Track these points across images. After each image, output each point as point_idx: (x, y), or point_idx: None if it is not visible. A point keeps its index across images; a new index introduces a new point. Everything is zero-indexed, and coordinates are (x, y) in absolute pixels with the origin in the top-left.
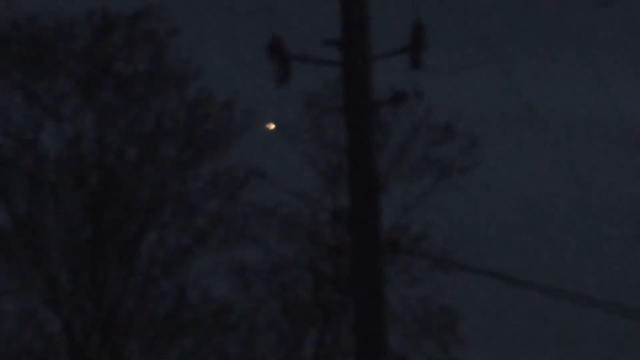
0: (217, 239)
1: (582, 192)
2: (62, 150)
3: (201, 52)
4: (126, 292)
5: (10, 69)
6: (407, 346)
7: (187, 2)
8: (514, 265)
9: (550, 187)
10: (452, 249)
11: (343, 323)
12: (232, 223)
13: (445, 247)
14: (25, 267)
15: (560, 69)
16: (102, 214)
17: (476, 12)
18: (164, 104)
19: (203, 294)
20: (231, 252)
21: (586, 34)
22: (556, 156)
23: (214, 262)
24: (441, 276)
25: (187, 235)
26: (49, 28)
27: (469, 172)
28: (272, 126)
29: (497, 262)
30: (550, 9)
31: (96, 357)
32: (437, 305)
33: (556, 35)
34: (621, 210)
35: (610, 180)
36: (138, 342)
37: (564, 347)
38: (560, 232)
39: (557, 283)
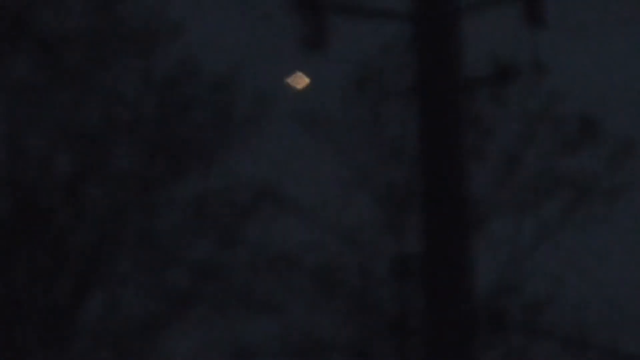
0: (205, 304)
1: None
2: None
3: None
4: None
5: None
6: None
7: None
8: None
9: None
10: (592, 320)
11: None
12: (229, 278)
13: (581, 317)
14: None
15: None
16: (18, 262)
17: None
18: (119, 83)
19: None
20: (228, 324)
21: None
22: None
23: (196, 340)
24: None
25: (155, 296)
26: None
27: (621, 193)
28: (301, 80)
29: None
30: None
31: None
32: None
33: None
34: None
35: None
36: None
37: None
38: None
39: None
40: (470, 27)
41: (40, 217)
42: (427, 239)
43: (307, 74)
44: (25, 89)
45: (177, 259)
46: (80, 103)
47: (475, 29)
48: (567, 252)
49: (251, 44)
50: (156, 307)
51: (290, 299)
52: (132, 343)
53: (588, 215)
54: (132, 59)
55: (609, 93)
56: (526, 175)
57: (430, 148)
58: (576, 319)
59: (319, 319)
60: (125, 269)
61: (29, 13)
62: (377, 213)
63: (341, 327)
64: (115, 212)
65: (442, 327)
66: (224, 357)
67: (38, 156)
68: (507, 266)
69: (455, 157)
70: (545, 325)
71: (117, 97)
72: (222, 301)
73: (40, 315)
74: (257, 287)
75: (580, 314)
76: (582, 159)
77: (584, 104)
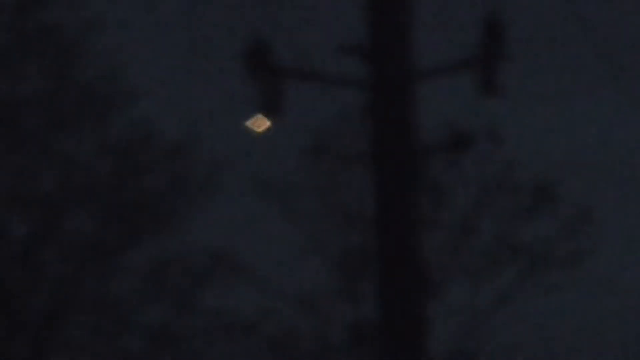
0: None
1: None
2: None
3: (140, 63)
4: None
5: None
6: None
7: None
8: None
9: None
10: None
11: None
12: (186, 344)
13: None
14: None
15: None
16: None
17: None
18: (75, 147)
19: None
20: None
21: None
22: None
23: None
24: None
25: None
26: None
27: (575, 261)
28: (260, 123)
29: None
30: None
31: None
32: None
33: None
34: None
35: None
36: None
37: None
38: None
39: None
40: (426, 94)
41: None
42: (383, 305)
43: (263, 140)
44: None
45: (132, 324)
46: (35, 167)
47: (430, 96)
48: (523, 318)
49: (206, 110)
50: None
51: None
52: None
53: (544, 282)
54: (88, 124)
55: (565, 160)
56: (482, 242)
57: (386, 214)
58: None
59: None
60: (81, 334)
61: None
62: (333, 279)
63: None
64: (69, 277)
65: None
66: None
67: None
68: (463, 333)
69: (411, 224)
70: None
71: (73, 162)
72: (196, 346)
73: None
74: (213, 353)
75: None
76: (538, 225)
77: (539, 172)
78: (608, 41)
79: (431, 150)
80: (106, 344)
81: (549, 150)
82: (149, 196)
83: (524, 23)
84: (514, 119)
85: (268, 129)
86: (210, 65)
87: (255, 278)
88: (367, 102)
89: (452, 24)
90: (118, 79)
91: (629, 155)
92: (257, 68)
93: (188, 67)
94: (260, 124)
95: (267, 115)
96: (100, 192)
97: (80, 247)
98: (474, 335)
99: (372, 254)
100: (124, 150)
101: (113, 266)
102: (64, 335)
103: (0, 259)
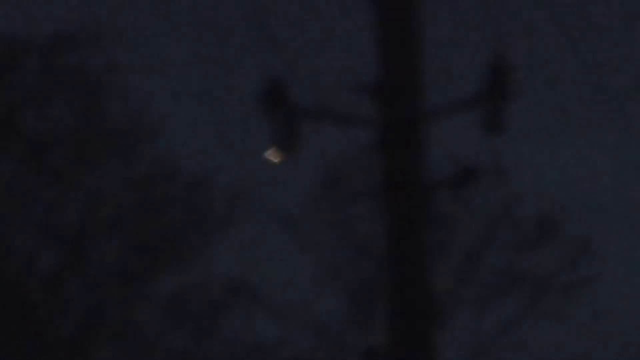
0: None
1: None
2: None
3: (161, 101)
4: None
5: None
6: None
7: (140, 23)
8: None
9: None
10: None
11: None
12: None
13: None
14: None
15: None
16: (2, 354)
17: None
18: (101, 182)
19: None
20: None
21: None
22: None
23: None
24: None
25: None
26: None
27: (577, 291)
28: (278, 154)
29: None
30: None
31: None
32: None
33: None
34: None
35: None
36: None
37: None
38: None
39: None
40: (434, 132)
41: (24, 310)
42: (393, 332)
43: (280, 175)
44: (11, 187)
45: (154, 350)
46: (63, 200)
47: (438, 133)
48: (526, 346)
49: (225, 146)
50: None
51: None
52: None
53: (548, 309)
54: (113, 159)
55: (566, 194)
56: (487, 272)
57: (396, 246)
58: None
59: None
60: (105, 359)
61: (16, 115)
62: (346, 308)
63: None
64: (96, 305)
65: None
66: None
67: (22, 252)
68: (468, 358)
69: (419, 255)
70: None
71: (99, 195)
72: None
73: None
74: None
75: None
76: (540, 257)
77: (541, 205)
78: (608, 80)
79: (439, 184)
80: None
81: (550, 184)
82: (171, 228)
83: (529, 63)
84: (518, 155)
85: (285, 160)
86: (228, 104)
87: (272, 306)
88: (378, 139)
89: (459, 65)
90: (141, 117)
91: (628, 190)
92: (273, 106)
93: (207, 106)
94: (277, 154)
95: (282, 151)
96: (125, 224)
97: (106, 276)
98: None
99: (383, 284)
100: (147, 184)
101: (137, 294)
102: None
103: (30, 287)
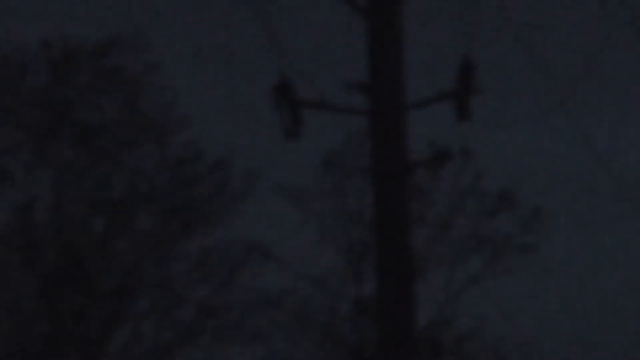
0: (207, 335)
1: None
2: (9, 219)
3: (189, 94)
4: None
5: None
6: None
7: (171, 27)
8: None
9: (635, 267)
10: (507, 349)
11: None
12: (226, 315)
13: (499, 347)
14: None
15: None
16: (61, 302)
17: (538, 53)
18: (140, 162)
19: None
20: (225, 351)
21: None
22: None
23: None
24: None
25: (168, 329)
26: None
27: (530, 251)
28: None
29: None
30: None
31: None
32: None
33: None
34: None
35: None
36: None
37: None
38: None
39: None
40: (414, 120)
41: (79, 265)
42: (379, 285)
43: (287, 156)
44: (68, 166)
45: (184, 299)
46: (109, 178)
47: (417, 121)
48: (488, 296)
49: (243, 132)
50: (168, 337)
51: (273, 332)
52: None
53: (505, 266)
54: (150, 144)
55: (523, 171)
56: (456, 236)
57: (382, 214)
58: (497, 349)
59: (295, 348)
60: (145, 307)
61: (70, 109)
62: (341, 265)
63: (313, 354)
64: (136, 262)
65: (391, 355)
66: None
67: (78, 218)
68: (441, 307)
69: (401, 221)
70: (471, 353)
71: (138, 174)
72: (221, 333)
73: (78, 344)
74: (247, 323)
75: (499, 345)
76: (500, 222)
77: (502, 180)
78: (557, 75)
79: (417, 163)
80: (164, 314)
81: (509, 163)
82: (197, 199)
83: (491, 62)
84: (482, 139)
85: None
86: (245, 97)
87: (280, 263)
88: (368, 126)
89: (434, 65)
90: (172, 109)
91: (574, 165)
92: (281, 99)
93: (228, 99)
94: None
95: (289, 135)
96: (160, 196)
97: (144, 239)
98: (449, 309)
99: (371, 245)
100: (178, 163)
101: (169, 253)
102: (131, 308)
103: (83, 249)
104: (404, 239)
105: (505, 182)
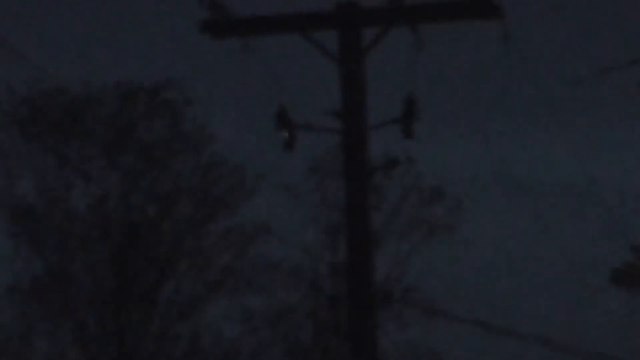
0: (228, 288)
1: (556, 248)
2: (89, 207)
3: (214, 119)
4: (146, 336)
5: (44, 135)
6: None
7: (203, 74)
8: (496, 314)
9: (528, 242)
10: (439, 298)
11: None
12: (241, 274)
13: (433, 297)
14: (56, 311)
15: (539, 139)
16: (125, 264)
17: (466, 87)
18: (181, 167)
19: (215, 336)
20: (240, 299)
21: (564, 110)
22: (534, 216)
23: (225, 308)
24: (429, 323)
25: (200, 284)
26: (79, 97)
27: (454, 230)
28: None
29: (480, 311)
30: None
31: None
32: (425, 349)
33: (536, 111)
34: (589, 260)
35: (580, 236)
36: None
37: None
38: (537, 282)
39: (534, 330)
40: (373, 137)
41: (137, 239)
42: (349, 253)
43: (286, 162)
44: (131, 170)
45: (211, 264)
46: (160, 177)
47: (375, 137)
48: (426, 260)
49: (254, 145)
50: (201, 291)
51: (274, 287)
52: (188, 309)
53: (437, 240)
54: (188, 154)
55: (451, 172)
56: (402, 219)
57: (351, 203)
58: (430, 298)
59: (290, 297)
60: (184, 269)
61: (133, 129)
62: (322, 239)
63: (303, 301)
64: (178, 237)
65: (357, 302)
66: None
67: (138, 207)
68: (392, 268)
69: (364, 208)
70: (412, 300)
71: (179, 176)
72: (238, 288)
73: (138, 295)
74: (257, 280)
75: (433, 294)
76: (433, 209)
77: (435, 179)
78: (475, 105)
79: (376, 168)
80: (197, 274)
81: (441, 167)
82: (221, 193)
83: (430, 96)
84: (421, 151)
85: (288, 152)
86: (257, 119)
87: (279, 238)
88: (340, 142)
89: (387, 98)
90: (203, 129)
91: (486, 170)
92: (281, 122)
93: (245, 122)
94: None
95: (287, 147)
96: (194, 191)
97: (184, 221)
98: (398, 270)
99: (343, 223)
100: (207, 167)
101: (201, 231)
102: (174, 269)
103: (142, 228)
104: (366, 221)
105: (437, 180)
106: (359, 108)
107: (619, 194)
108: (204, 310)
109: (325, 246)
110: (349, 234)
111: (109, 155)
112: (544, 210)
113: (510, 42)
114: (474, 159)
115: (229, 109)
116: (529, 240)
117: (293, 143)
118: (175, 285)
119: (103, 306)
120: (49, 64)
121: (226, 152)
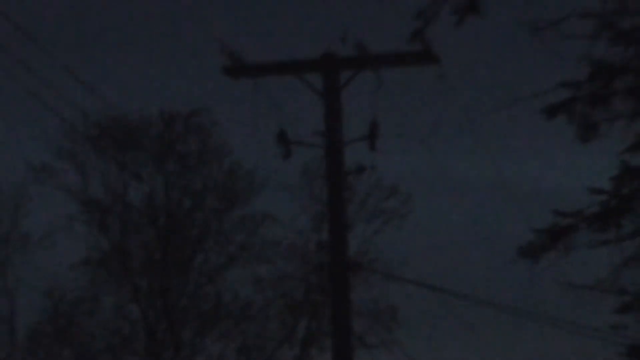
0: (243, 260)
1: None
2: (141, 201)
3: (234, 137)
4: (183, 295)
5: (109, 148)
6: (365, 328)
7: (225, 104)
8: (441, 279)
9: (461, 225)
10: (394, 267)
11: (324, 315)
12: (252, 250)
13: (390, 266)
14: (119, 277)
15: (470, 147)
16: (168, 242)
17: (415, 113)
18: (208, 171)
19: (233, 296)
20: (252, 269)
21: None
22: (467, 208)
23: (241, 275)
24: (387, 285)
25: (223, 257)
26: (134, 121)
27: (406, 217)
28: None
29: (428, 277)
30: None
31: (162, 336)
32: (384, 305)
33: (464, 129)
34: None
35: (497, 220)
36: (190, 327)
37: (477, 342)
38: (466, 255)
39: (472, 290)
40: (347, 153)
41: (177, 223)
42: (330, 233)
43: (285, 167)
44: (171, 174)
45: (230, 241)
46: (193, 179)
47: (348, 152)
48: (386, 239)
49: (263, 156)
50: (223, 261)
51: (276, 258)
52: (210, 274)
53: (393, 225)
54: (213, 162)
55: (405, 177)
56: (368, 208)
57: (332, 198)
58: (389, 265)
59: (287, 266)
60: (210, 245)
61: (173, 145)
62: (313, 223)
63: (297, 269)
64: (206, 223)
65: (335, 269)
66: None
67: (175, 200)
68: (361, 245)
69: (341, 200)
70: (376, 268)
71: (207, 177)
72: (250, 260)
73: (176, 264)
74: (263, 253)
75: (391, 264)
76: (391, 203)
77: (393, 180)
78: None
79: (348, 172)
80: (220, 249)
81: (396, 171)
82: (238, 191)
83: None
84: (382, 160)
85: (287, 161)
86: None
87: (280, 223)
88: (324, 154)
89: (359, 121)
90: (226, 144)
91: (429, 174)
92: (281, 140)
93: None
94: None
95: (286, 158)
96: (218, 189)
97: (210, 211)
98: (365, 247)
99: (326, 212)
100: (228, 172)
101: (223, 218)
102: (203, 246)
103: (179, 215)
104: (342, 211)
105: (393, 181)
106: (337, 129)
107: (528, 190)
108: (225, 276)
109: (313, 229)
110: (330, 220)
111: (155, 163)
112: (473, 202)
113: (445, 80)
114: (420, 165)
115: (244, 130)
116: (461, 223)
117: (290, 154)
118: (204, 258)
119: (152, 273)
120: (113, 94)
121: (242, 160)
